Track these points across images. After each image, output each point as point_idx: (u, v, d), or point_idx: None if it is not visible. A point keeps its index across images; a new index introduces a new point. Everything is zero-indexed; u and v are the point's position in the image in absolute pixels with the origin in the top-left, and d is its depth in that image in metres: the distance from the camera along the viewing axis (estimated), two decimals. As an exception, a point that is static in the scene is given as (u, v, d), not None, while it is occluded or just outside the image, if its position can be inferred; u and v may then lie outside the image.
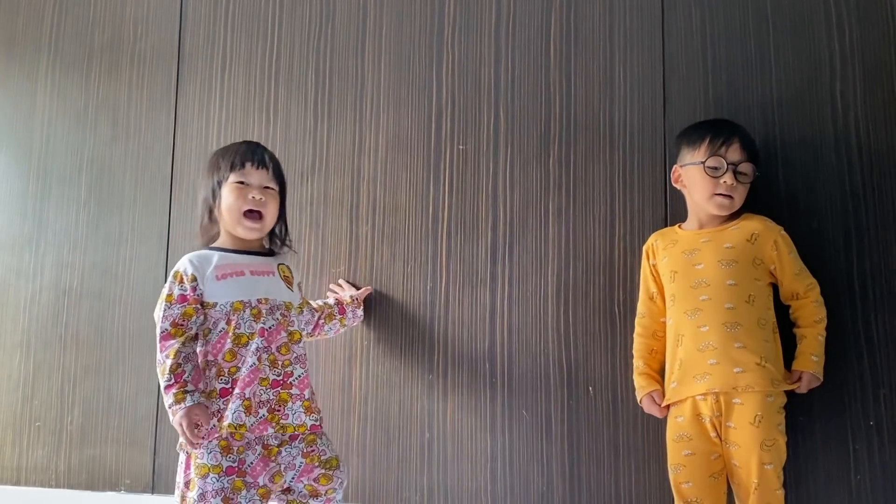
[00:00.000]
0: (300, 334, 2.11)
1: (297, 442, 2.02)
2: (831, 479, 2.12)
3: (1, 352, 2.84)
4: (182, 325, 1.96)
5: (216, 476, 1.90)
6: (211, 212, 2.11)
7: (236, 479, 1.92)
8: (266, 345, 2.01)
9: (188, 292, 1.99)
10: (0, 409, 2.81)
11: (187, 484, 1.94)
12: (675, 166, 2.20)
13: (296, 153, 2.61)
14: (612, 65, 2.42)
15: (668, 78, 2.37)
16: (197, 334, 1.99)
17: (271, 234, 2.17)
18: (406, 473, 2.41)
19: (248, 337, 1.99)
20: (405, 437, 2.42)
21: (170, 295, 2.00)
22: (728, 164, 2.08)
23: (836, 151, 2.22)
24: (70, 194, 2.84)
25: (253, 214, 2.07)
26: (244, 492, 1.92)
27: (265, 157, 2.12)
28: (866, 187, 2.20)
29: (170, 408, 1.91)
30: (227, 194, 2.06)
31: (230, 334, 1.99)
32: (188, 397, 1.89)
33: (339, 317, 2.33)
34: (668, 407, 2.10)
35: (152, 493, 2.60)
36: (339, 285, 2.49)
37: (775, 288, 2.12)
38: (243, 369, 1.98)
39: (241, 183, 2.06)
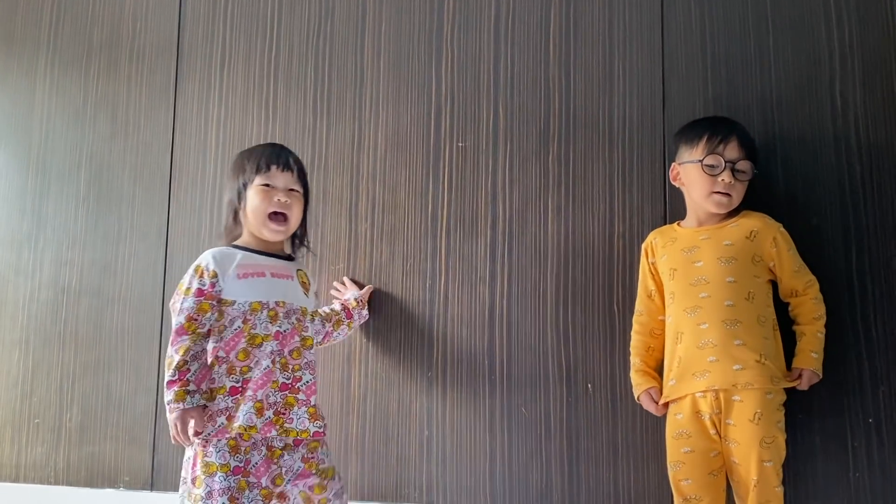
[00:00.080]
0: (312, 340, 2.12)
1: (299, 447, 2.04)
2: (830, 476, 2.12)
3: (0, 349, 2.84)
4: (196, 319, 1.97)
5: (223, 475, 1.91)
6: (236, 213, 2.12)
7: (241, 478, 1.93)
8: (279, 348, 2.03)
9: (207, 287, 2.00)
10: (-1, 407, 2.81)
11: (193, 481, 1.95)
12: (673, 164, 2.20)
13: (295, 150, 2.58)
14: (612, 62, 2.42)
15: (667, 75, 2.37)
16: (209, 331, 2.00)
17: (292, 235, 2.18)
18: (405, 471, 2.41)
19: (262, 338, 2.01)
20: (404, 435, 2.43)
21: (188, 288, 2.01)
22: (726, 163, 2.08)
23: (836, 149, 2.22)
24: (69, 191, 2.84)
25: (278, 217, 2.08)
26: (247, 492, 1.93)
27: (290, 160, 2.14)
28: (865, 185, 2.20)
29: (168, 404, 1.92)
30: (253, 196, 2.07)
31: (245, 334, 2.00)
32: (188, 398, 1.91)
33: (346, 321, 2.34)
34: (666, 405, 2.10)
35: (151, 489, 2.60)
36: (343, 283, 2.49)
37: (775, 285, 2.12)
38: (256, 371, 1.99)
39: (267, 185, 2.08)
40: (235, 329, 2.00)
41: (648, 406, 2.13)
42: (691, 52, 2.36)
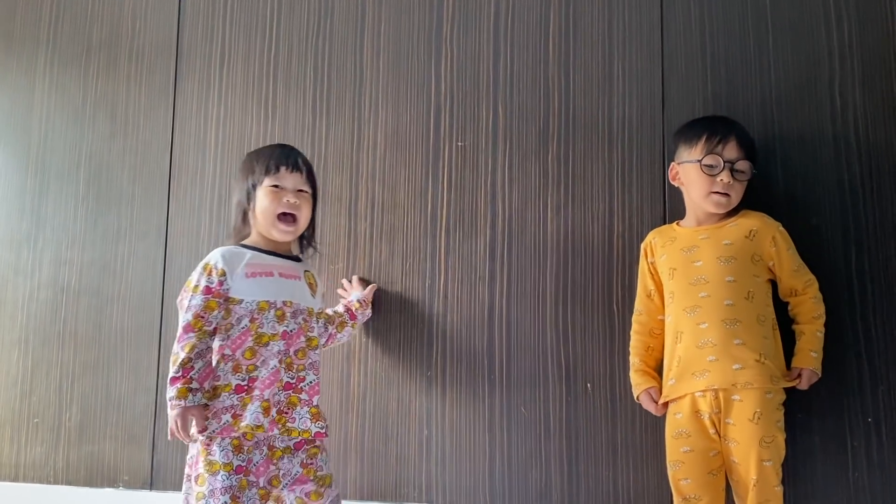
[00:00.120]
0: (318, 341, 2.13)
1: (300, 451, 2.04)
2: (829, 475, 2.12)
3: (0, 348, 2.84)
4: (203, 317, 1.97)
5: (226, 474, 1.92)
6: (245, 214, 2.13)
7: (243, 478, 1.94)
8: (286, 348, 2.04)
9: (214, 285, 2.01)
10: (-2, 406, 2.81)
11: (196, 479, 1.95)
12: (672, 164, 2.20)
13: (294, 149, 2.60)
14: (611, 61, 2.42)
15: (666, 75, 2.37)
16: (215, 329, 2.00)
17: (301, 236, 2.20)
18: (404, 470, 2.41)
19: (269, 337, 2.02)
20: (403, 434, 2.43)
21: (196, 286, 2.01)
22: (725, 162, 2.08)
23: (835, 149, 2.22)
24: (68, 190, 2.84)
25: (287, 217, 2.10)
26: (247, 490, 1.94)
27: (299, 161, 2.14)
28: (865, 185, 2.20)
29: (170, 400, 1.93)
30: (262, 197, 2.09)
31: (253, 333, 2.01)
32: (190, 395, 1.91)
33: (350, 323, 2.34)
34: (665, 404, 2.10)
35: (150, 489, 2.60)
36: (350, 283, 2.48)
37: (774, 285, 2.12)
38: (263, 370, 2.00)
39: (276, 186, 2.09)
40: (243, 327, 2.01)
41: (648, 406, 2.13)
42: (691, 51, 2.36)
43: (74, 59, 2.91)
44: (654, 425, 2.21)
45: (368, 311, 2.42)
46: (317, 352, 2.12)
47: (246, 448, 1.96)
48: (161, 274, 2.69)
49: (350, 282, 2.48)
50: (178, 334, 1.98)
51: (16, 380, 2.79)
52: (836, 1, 2.26)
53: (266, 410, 1.97)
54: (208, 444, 1.95)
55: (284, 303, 2.06)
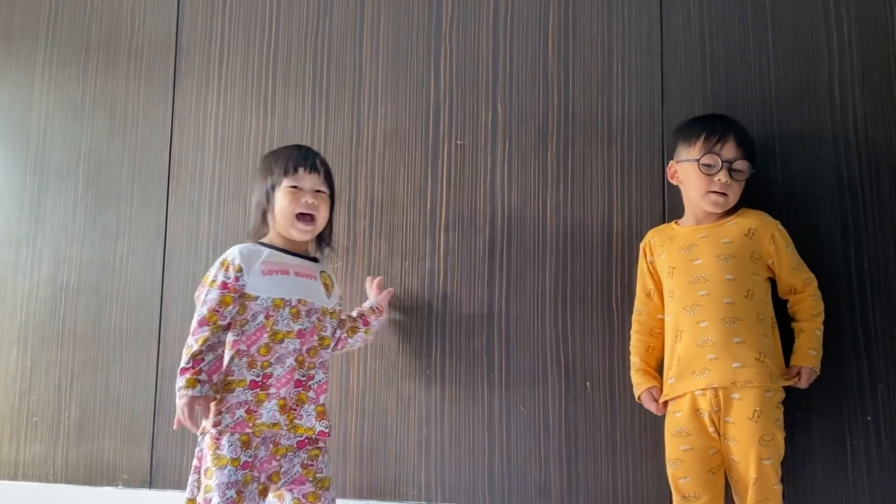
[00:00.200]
0: (330, 340, 2.16)
1: (301, 451, 2.06)
2: (829, 474, 2.13)
3: (-2, 346, 2.84)
4: (218, 311, 2.01)
5: (234, 469, 1.94)
6: (264, 214, 2.17)
7: (248, 473, 1.96)
8: (300, 346, 2.07)
9: (231, 281, 2.04)
10: (-3, 405, 2.81)
11: (205, 472, 1.98)
12: (671, 162, 2.20)
13: (293, 148, 2.60)
14: (611, 60, 2.42)
15: (666, 73, 2.37)
16: (229, 324, 2.03)
17: (319, 235, 2.23)
18: (404, 468, 2.41)
19: (284, 334, 2.05)
20: (403, 433, 2.43)
21: (213, 280, 2.05)
22: (723, 162, 2.08)
23: (834, 148, 2.22)
24: (67, 188, 2.84)
25: (305, 217, 2.13)
26: (251, 485, 1.97)
27: (317, 162, 2.18)
28: (864, 182, 2.20)
29: (178, 390, 1.96)
30: (281, 198, 2.12)
31: (268, 329, 2.04)
32: (198, 386, 1.94)
33: (363, 329, 2.30)
34: (665, 404, 2.10)
35: (150, 487, 2.60)
36: (371, 283, 2.44)
37: (773, 283, 2.12)
38: (278, 367, 2.03)
39: (295, 187, 2.12)
40: (258, 324, 2.04)
41: (649, 405, 2.13)
42: (690, 50, 2.36)
43: (73, 57, 2.91)
44: (654, 424, 2.21)
45: (384, 318, 2.38)
46: (327, 351, 2.14)
47: (254, 444, 1.99)
48: (160, 272, 2.69)
49: (373, 284, 2.44)
50: (192, 327, 2.01)
51: (15, 378, 2.79)
52: (835, 0, 2.26)
53: (282, 408, 2.01)
54: (218, 439, 1.97)
55: (299, 301, 2.08)
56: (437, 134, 2.52)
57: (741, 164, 2.09)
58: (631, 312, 2.23)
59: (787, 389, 2.04)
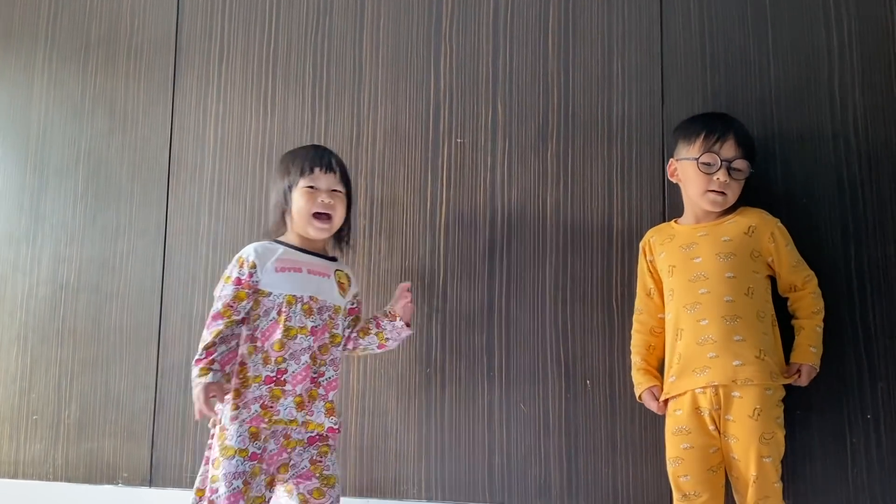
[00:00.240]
0: (341, 338, 2.19)
1: (311, 447, 2.10)
2: (829, 472, 2.13)
3: (-2, 345, 2.84)
4: (232, 306, 2.06)
5: (241, 459, 1.99)
6: (283, 214, 2.21)
7: (257, 464, 2.01)
8: (314, 343, 2.11)
9: (245, 277, 2.09)
10: (-3, 403, 2.81)
11: (213, 462, 2.02)
12: (671, 159, 2.20)
13: (293, 146, 2.59)
14: (611, 58, 2.42)
15: (666, 72, 2.37)
16: (244, 319, 2.09)
17: (338, 233, 2.26)
18: (404, 467, 2.41)
19: (298, 330, 2.08)
20: (403, 431, 2.43)
21: (228, 276, 2.12)
22: (722, 161, 2.08)
23: (834, 146, 2.23)
24: (67, 187, 2.83)
25: (322, 216, 2.17)
26: (259, 477, 2.00)
27: (332, 162, 2.21)
28: (864, 183, 2.20)
29: (193, 380, 2.00)
30: (298, 198, 2.16)
31: (281, 326, 2.07)
32: (210, 374, 1.98)
33: (375, 331, 2.25)
34: (666, 403, 2.10)
35: (150, 486, 2.60)
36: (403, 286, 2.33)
37: (773, 282, 2.12)
38: (293, 364, 2.07)
39: (311, 188, 2.17)
40: (271, 320, 2.08)
41: (650, 404, 2.13)
42: (690, 49, 2.36)
43: (73, 55, 2.91)
44: (654, 422, 2.21)
45: (398, 323, 2.25)
46: (338, 348, 2.17)
47: (263, 436, 2.02)
48: (160, 271, 2.69)
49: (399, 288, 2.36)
50: (207, 321, 2.06)
51: (15, 377, 2.79)
52: (835, 0, 2.27)
53: (299, 405, 2.06)
54: (226, 430, 2.02)
55: (311, 297, 2.12)
56: (437, 133, 2.52)
57: (740, 164, 2.10)
58: (631, 311, 2.24)
59: (787, 387, 2.04)
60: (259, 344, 2.08)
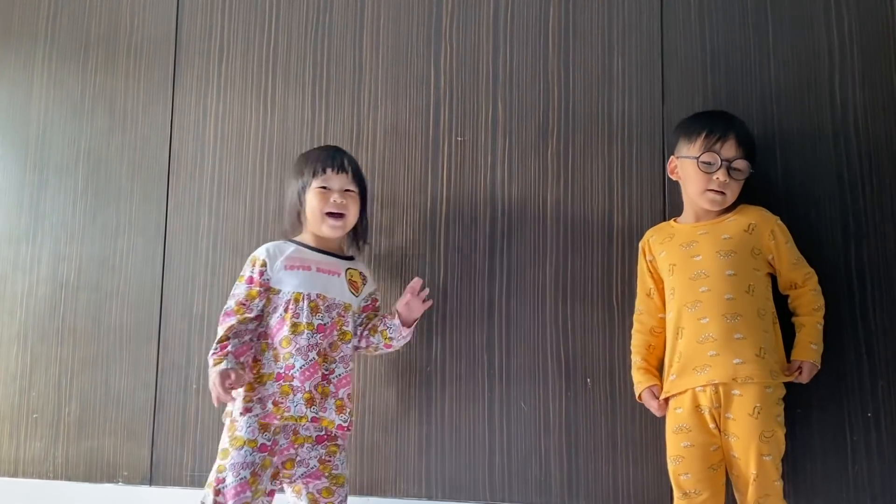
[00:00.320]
0: (351, 335, 2.21)
1: (320, 446, 2.13)
2: (829, 470, 2.13)
3: (-2, 344, 2.84)
4: (245, 304, 2.13)
5: (250, 450, 2.02)
6: (298, 214, 2.26)
7: (267, 456, 2.04)
8: (322, 340, 2.13)
9: (256, 276, 2.17)
10: (-3, 402, 2.81)
11: (221, 452, 2.06)
12: (671, 157, 2.20)
13: (293, 144, 2.60)
14: (611, 56, 2.42)
15: (666, 70, 2.37)
16: (257, 316, 2.15)
17: (354, 231, 2.31)
18: (404, 465, 2.41)
19: (304, 327, 2.11)
20: (403, 430, 2.43)
21: (242, 275, 2.20)
22: (722, 161, 2.08)
23: (835, 144, 2.23)
24: (67, 185, 2.83)
25: (335, 214, 2.21)
26: (269, 470, 2.04)
27: (345, 162, 2.26)
28: (864, 178, 2.20)
29: (209, 371, 2.05)
30: (311, 198, 2.22)
31: (288, 322, 2.11)
32: (224, 362, 2.03)
33: (381, 329, 2.24)
34: (666, 402, 2.10)
35: (150, 484, 2.60)
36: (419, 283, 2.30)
37: (774, 280, 2.12)
38: (300, 360, 2.09)
39: (324, 188, 2.21)
40: (279, 316, 2.13)
41: (650, 404, 2.13)
42: (690, 46, 2.36)
43: (73, 54, 2.90)
44: (654, 420, 2.21)
45: (396, 322, 2.22)
46: (348, 346, 2.19)
47: (272, 429, 2.06)
48: (160, 269, 2.68)
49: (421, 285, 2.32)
50: (220, 318, 2.14)
51: (15, 375, 2.79)
52: (836, -3, 2.27)
53: (308, 402, 2.08)
54: (236, 421, 2.06)
55: (318, 295, 2.15)
56: (438, 131, 2.52)
57: (740, 164, 2.10)
58: (631, 309, 2.24)
59: (787, 386, 2.04)
60: (270, 341, 2.12)
